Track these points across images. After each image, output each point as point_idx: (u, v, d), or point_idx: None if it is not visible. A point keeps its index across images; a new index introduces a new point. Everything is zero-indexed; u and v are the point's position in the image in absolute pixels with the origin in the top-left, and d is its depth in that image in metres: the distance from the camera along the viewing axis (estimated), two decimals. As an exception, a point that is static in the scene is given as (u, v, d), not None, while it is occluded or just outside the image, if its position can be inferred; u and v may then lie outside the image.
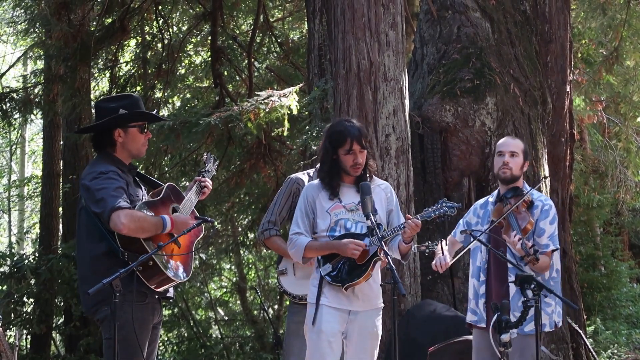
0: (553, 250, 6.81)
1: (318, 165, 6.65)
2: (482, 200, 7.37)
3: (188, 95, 19.36)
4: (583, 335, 11.45)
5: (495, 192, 7.17)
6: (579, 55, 16.78)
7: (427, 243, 7.83)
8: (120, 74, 17.81)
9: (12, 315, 15.32)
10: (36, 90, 16.51)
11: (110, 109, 6.16)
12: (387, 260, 5.79)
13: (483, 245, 6.75)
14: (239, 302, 22.11)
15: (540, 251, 6.59)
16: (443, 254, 6.93)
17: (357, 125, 6.39)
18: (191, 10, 18.19)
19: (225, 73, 16.89)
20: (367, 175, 6.41)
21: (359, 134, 6.29)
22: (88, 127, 6.40)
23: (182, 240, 6.08)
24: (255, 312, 20.67)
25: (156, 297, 6.06)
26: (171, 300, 6.53)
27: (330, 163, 6.34)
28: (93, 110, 17.42)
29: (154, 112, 6.49)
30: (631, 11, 15.30)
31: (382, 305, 6.47)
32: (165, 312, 18.16)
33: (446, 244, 7.18)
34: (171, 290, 6.25)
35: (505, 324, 5.66)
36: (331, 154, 6.32)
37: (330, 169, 6.34)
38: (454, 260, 6.94)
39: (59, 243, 17.80)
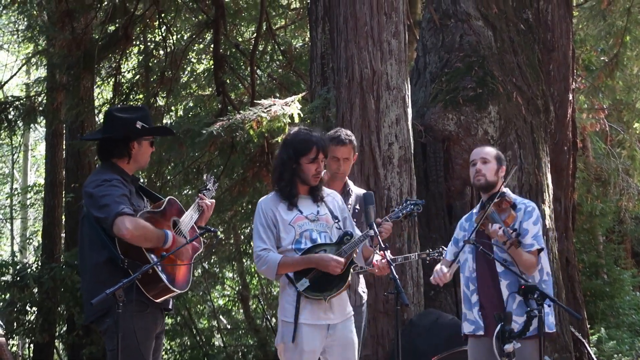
0: (539, 250, 6.82)
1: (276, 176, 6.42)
2: (466, 215, 7.41)
3: (191, 103, 19.38)
4: (586, 344, 11.44)
5: (479, 203, 7.20)
6: (580, 62, 16.79)
7: (427, 251, 7.82)
8: (123, 81, 17.84)
9: (15, 324, 15.33)
10: (39, 99, 16.54)
11: (126, 120, 6.17)
12: (390, 270, 5.79)
13: (470, 256, 6.80)
14: (241, 310, 22.09)
15: (526, 250, 6.62)
16: (440, 269, 6.95)
17: (319, 133, 6.33)
18: (194, 19, 18.22)
19: (228, 81, 16.92)
20: (320, 185, 6.37)
21: (324, 143, 6.25)
22: (105, 136, 6.38)
23: (182, 252, 6.10)
24: (258, 320, 20.64)
25: (157, 307, 6.06)
26: (171, 312, 6.51)
27: (290, 172, 6.21)
28: (98, 118, 17.47)
29: (162, 125, 6.55)
30: (632, 18, 15.31)
31: (352, 312, 6.42)
32: (168, 320, 18.16)
33: (441, 264, 7.21)
34: (170, 302, 6.26)
35: (508, 334, 5.65)
36: (292, 163, 6.19)
37: (291, 178, 6.22)
38: (452, 271, 6.94)
39: (61, 251, 17.81)
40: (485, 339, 6.90)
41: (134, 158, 6.19)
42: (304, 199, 6.27)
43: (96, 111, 18.30)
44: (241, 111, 12.41)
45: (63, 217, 18.63)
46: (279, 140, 11.67)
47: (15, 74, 20.36)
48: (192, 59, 19.73)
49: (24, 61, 20.81)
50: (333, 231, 6.26)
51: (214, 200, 6.68)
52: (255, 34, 17.18)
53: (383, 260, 6.35)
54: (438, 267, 7.04)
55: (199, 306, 20.64)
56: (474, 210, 7.22)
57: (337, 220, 6.27)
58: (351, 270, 6.25)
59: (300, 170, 6.18)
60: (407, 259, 8.12)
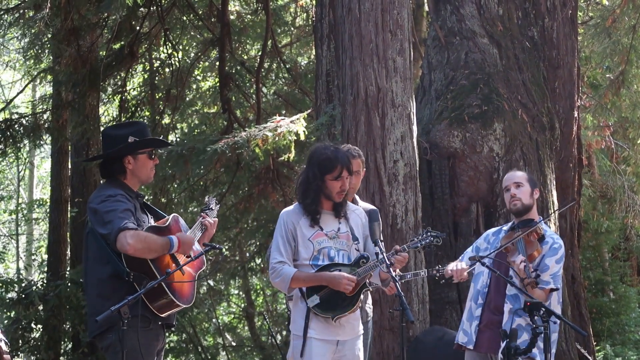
0: (552, 290, 6.77)
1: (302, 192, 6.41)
2: (495, 229, 7.38)
3: (196, 121, 19.41)
4: (592, 362, 11.40)
5: (510, 223, 7.17)
6: (586, 79, 16.78)
7: (437, 267, 7.81)
8: (129, 99, 17.87)
9: (20, 341, 15.32)
10: (45, 116, 16.55)
11: (118, 137, 6.19)
12: (396, 287, 5.79)
13: (486, 270, 6.77)
14: (247, 327, 22.08)
15: (540, 286, 6.59)
16: (460, 264, 6.95)
17: (344, 149, 6.37)
18: (199, 36, 18.27)
19: (234, 99, 16.94)
20: (345, 200, 6.37)
21: (348, 161, 6.26)
22: (98, 156, 6.42)
23: (186, 268, 6.09)
24: (264, 338, 20.64)
25: (159, 323, 6.05)
26: (173, 329, 6.51)
27: (315, 189, 6.22)
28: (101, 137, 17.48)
29: (161, 137, 6.53)
30: (637, 36, 15.30)
31: (362, 331, 6.41)
32: (174, 337, 18.15)
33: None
34: (173, 318, 6.26)
35: (514, 351, 5.65)
36: (317, 181, 6.20)
37: (315, 195, 6.23)
38: (468, 270, 6.92)
39: (67, 269, 17.79)
40: (475, 354, 6.91)
41: (132, 173, 6.19)
42: (327, 214, 6.28)
43: (102, 129, 18.31)
44: (247, 129, 12.43)
45: (68, 234, 18.62)
46: (286, 158, 11.68)
47: (21, 91, 20.35)
48: (198, 77, 19.77)
49: (29, 78, 20.83)
50: (352, 250, 6.25)
51: (216, 219, 6.69)
52: (260, 52, 17.23)
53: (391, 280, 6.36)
54: (455, 263, 7.02)
55: (204, 323, 20.64)
56: (504, 228, 7.18)
57: (356, 242, 6.26)
58: (362, 294, 6.25)
59: (325, 187, 6.18)
60: (416, 275, 8.11)
